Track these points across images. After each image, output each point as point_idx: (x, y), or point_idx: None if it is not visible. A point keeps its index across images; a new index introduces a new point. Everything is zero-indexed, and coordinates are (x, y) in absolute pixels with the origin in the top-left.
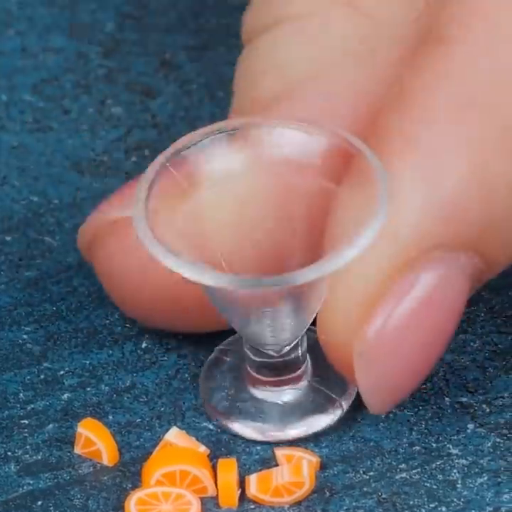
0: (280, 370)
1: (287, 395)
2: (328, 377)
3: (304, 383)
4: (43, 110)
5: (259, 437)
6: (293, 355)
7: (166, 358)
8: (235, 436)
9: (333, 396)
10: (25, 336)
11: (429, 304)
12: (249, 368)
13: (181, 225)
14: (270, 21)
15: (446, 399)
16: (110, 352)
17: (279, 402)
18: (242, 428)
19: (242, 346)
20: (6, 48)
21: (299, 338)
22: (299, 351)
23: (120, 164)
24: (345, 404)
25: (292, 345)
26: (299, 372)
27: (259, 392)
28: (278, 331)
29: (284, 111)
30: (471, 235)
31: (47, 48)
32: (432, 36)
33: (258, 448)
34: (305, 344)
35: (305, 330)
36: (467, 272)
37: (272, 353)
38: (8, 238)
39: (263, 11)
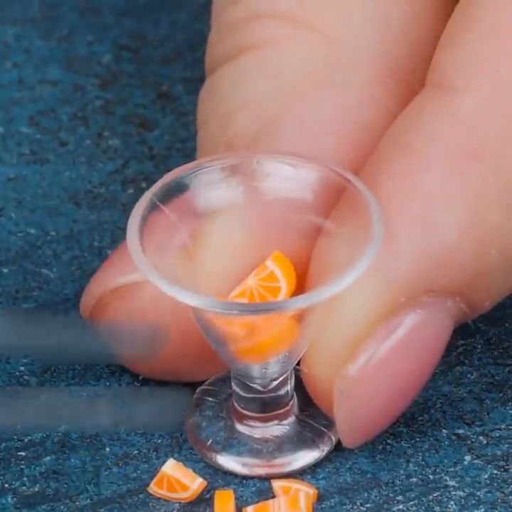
0: (269, 405)
1: (275, 430)
2: (315, 411)
3: (291, 418)
4: (40, 142)
5: (247, 473)
6: (283, 391)
7: (163, 390)
8: None
9: (323, 429)
10: (22, 368)
11: (411, 345)
12: (236, 404)
13: (171, 263)
14: (232, 51)
15: (443, 431)
16: (107, 384)
17: (268, 437)
18: (230, 464)
19: (224, 385)
20: (2, 80)
21: (288, 373)
22: (288, 386)
23: (117, 196)
24: (335, 437)
25: (280, 380)
26: (287, 407)
27: (246, 428)
28: (267, 364)
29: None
30: (461, 283)
31: (44, 80)
32: (435, 82)
33: (255, 480)
34: (293, 379)
35: (293, 365)
36: (452, 315)
37: (258, 387)
38: (5, 270)
39: (225, 40)
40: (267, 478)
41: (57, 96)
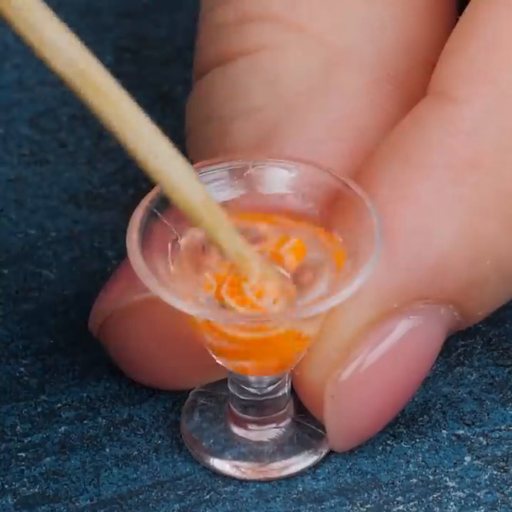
0: (266, 408)
1: (272, 433)
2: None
3: (288, 421)
4: (40, 143)
5: (244, 477)
6: (279, 393)
7: (162, 391)
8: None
9: (320, 431)
10: (22, 369)
11: (403, 351)
12: (233, 407)
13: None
14: (224, 54)
15: (443, 431)
16: (107, 385)
17: (265, 440)
18: (227, 468)
19: (221, 388)
20: (2, 81)
21: (286, 376)
22: (285, 389)
23: (117, 197)
24: None
25: (277, 384)
26: (284, 410)
27: (243, 431)
28: None
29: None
30: (455, 292)
31: (43, 81)
32: (437, 91)
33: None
34: (290, 382)
35: (289, 370)
36: (444, 322)
37: (255, 391)
38: (5, 271)
39: (215, 43)
40: (264, 482)
41: (57, 97)
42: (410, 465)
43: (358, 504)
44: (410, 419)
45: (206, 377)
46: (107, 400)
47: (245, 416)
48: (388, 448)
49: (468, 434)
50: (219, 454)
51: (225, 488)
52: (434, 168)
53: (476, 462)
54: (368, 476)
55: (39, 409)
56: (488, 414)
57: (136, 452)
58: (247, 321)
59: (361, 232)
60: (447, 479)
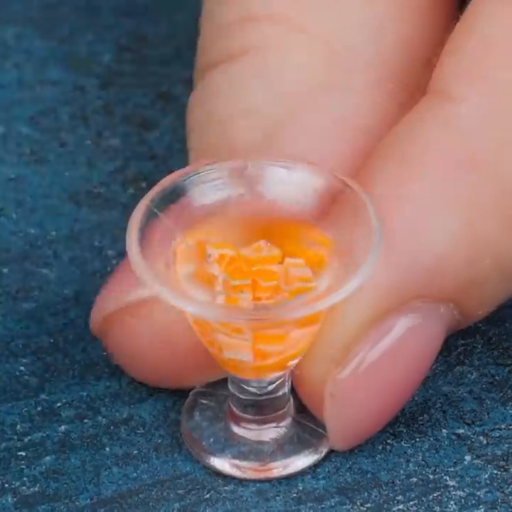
0: (266, 407)
1: (272, 432)
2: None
3: (288, 420)
4: (40, 142)
5: (244, 476)
6: (280, 393)
7: (163, 390)
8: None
9: (320, 431)
10: (22, 368)
11: (403, 350)
12: (233, 407)
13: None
14: (226, 54)
15: (444, 430)
16: (107, 384)
17: (265, 439)
18: (227, 467)
19: (221, 387)
20: (3, 80)
21: (285, 375)
22: (286, 388)
23: (117, 196)
24: None
25: (277, 383)
26: (284, 409)
27: (243, 431)
28: None
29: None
30: (453, 290)
31: (44, 80)
32: (435, 90)
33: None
34: (290, 381)
35: (289, 369)
36: (444, 321)
37: (255, 390)
38: (5, 270)
39: (217, 43)
40: (265, 481)
41: (57, 96)
42: (410, 464)
43: (358, 503)
44: (410, 418)
45: (206, 377)
46: (107, 399)
47: (245, 415)
48: (388, 447)
49: (469, 433)
50: (219, 453)
51: (225, 487)
52: (430, 168)
53: (476, 461)
54: (368, 475)
55: (39, 408)
56: (488, 414)
57: (136, 451)
58: (246, 319)
59: (361, 231)
60: (447, 478)
